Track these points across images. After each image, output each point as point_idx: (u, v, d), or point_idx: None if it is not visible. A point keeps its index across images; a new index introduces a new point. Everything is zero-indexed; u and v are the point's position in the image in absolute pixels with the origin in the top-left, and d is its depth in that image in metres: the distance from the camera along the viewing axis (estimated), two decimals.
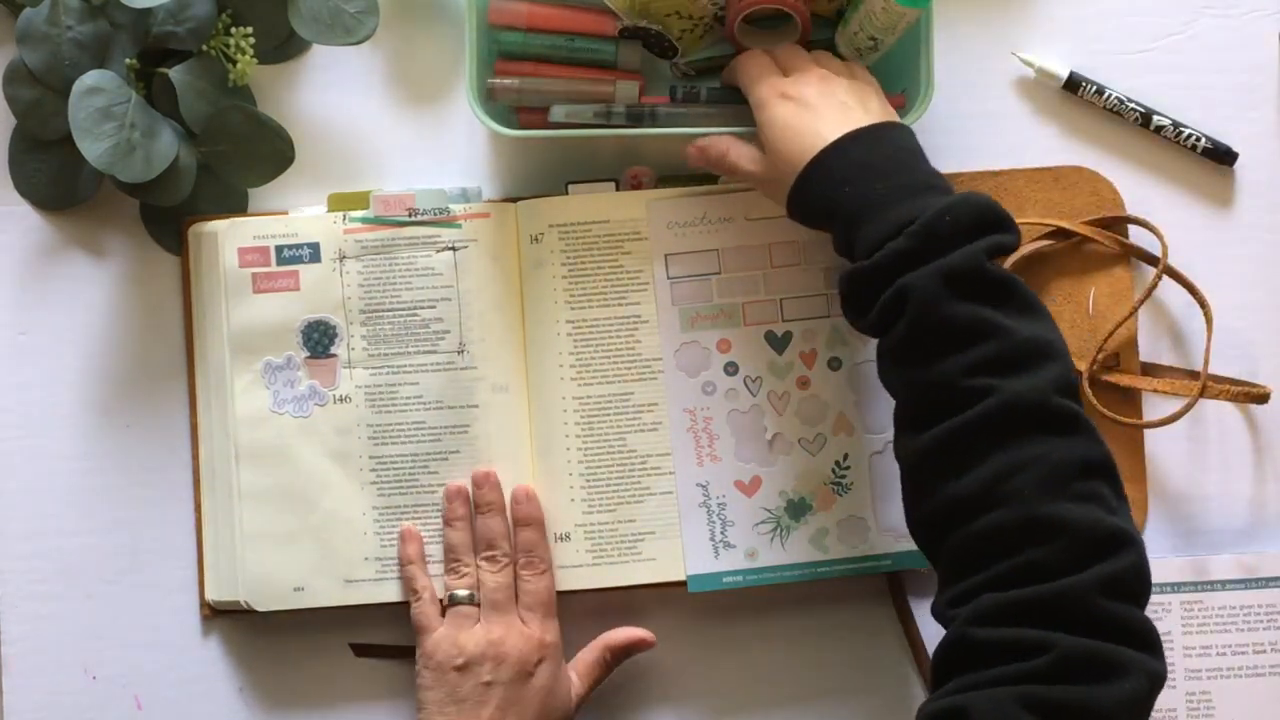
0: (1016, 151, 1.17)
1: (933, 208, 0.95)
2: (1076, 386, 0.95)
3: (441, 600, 1.10)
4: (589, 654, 1.11)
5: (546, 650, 1.08)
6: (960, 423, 0.91)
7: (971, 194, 0.97)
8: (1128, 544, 0.89)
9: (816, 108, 1.02)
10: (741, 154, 1.06)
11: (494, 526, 1.11)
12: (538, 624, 1.08)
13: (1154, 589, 1.09)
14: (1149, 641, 0.88)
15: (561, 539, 1.12)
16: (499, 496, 1.11)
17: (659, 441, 1.12)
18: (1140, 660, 0.86)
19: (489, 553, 1.10)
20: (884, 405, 1.12)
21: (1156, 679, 0.87)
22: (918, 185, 0.98)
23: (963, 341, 0.93)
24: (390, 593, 1.12)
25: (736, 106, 1.10)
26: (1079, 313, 1.15)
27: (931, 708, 0.88)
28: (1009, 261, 1.14)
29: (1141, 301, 1.12)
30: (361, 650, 1.14)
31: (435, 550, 1.12)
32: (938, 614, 0.93)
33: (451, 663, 1.06)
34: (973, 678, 0.87)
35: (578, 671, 1.10)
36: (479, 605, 1.09)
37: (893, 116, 1.03)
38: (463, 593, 1.09)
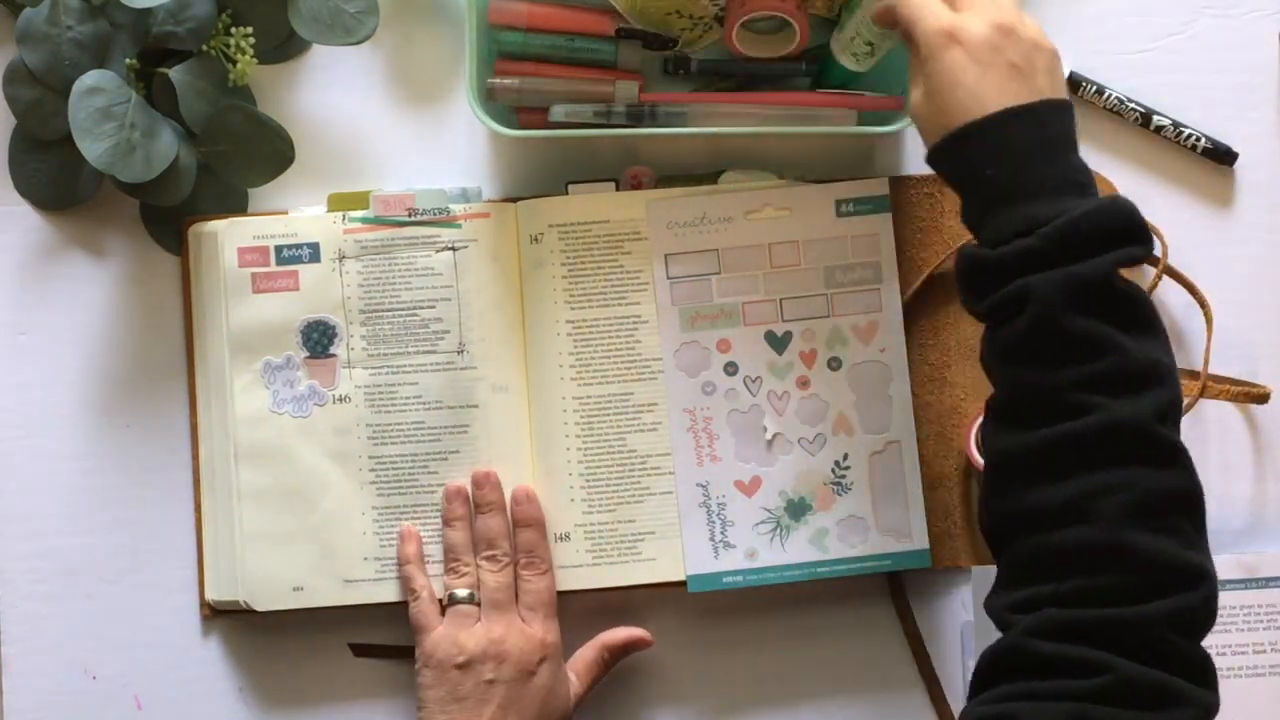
0: None
1: (1071, 211, 0.91)
2: (1180, 412, 0.94)
3: (441, 600, 1.10)
4: (587, 653, 1.11)
5: (547, 650, 1.08)
6: (1058, 433, 0.90)
7: (1115, 200, 0.94)
8: (1201, 579, 0.88)
9: (985, 64, 0.95)
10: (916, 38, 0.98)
11: (494, 526, 1.11)
12: (539, 624, 1.08)
13: None
14: (1206, 675, 0.87)
15: (561, 539, 1.12)
16: (499, 496, 1.11)
17: (659, 441, 1.12)
18: (1197, 694, 0.86)
19: (489, 552, 1.10)
20: (883, 405, 1.13)
21: (1210, 712, 0.87)
22: (1063, 182, 0.93)
23: (1077, 355, 0.91)
24: (390, 593, 1.12)
25: (734, 106, 1.10)
26: None
27: (980, 712, 0.87)
28: None
29: None
30: (361, 650, 1.14)
31: (435, 550, 1.12)
32: (993, 613, 0.92)
33: (452, 661, 1.06)
34: (1025, 687, 0.86)
35: (576, 671, 1.10)
36: (479, 605, 1.09)
37: (1058, 89, 0.96)
38: (463, 592, 1.09)
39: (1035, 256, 0.91)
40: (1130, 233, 0.92)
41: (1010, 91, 0.94)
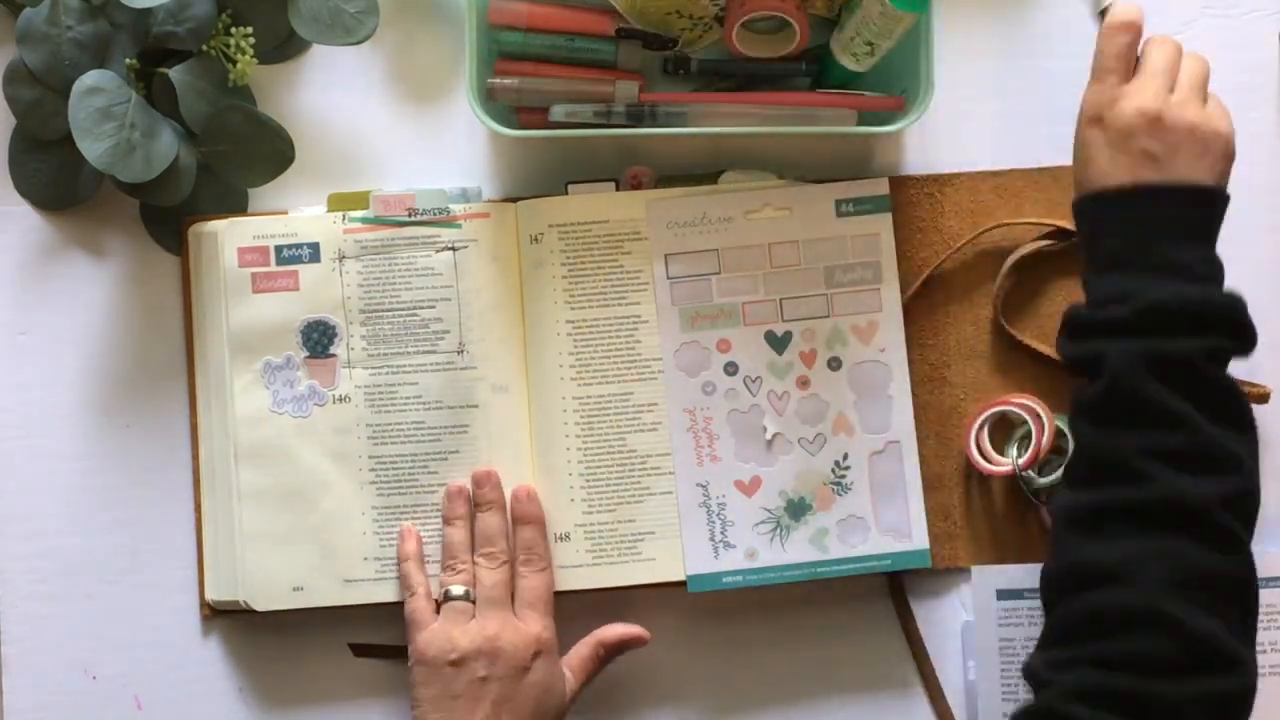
0: (1016, 151, 1.17)
1: (1169, 292, 0.95)
2: (1251, 512, 0.95)
3: (437, 599, 1.10)
4: (582, 649, 1.11)
5: (543, 646, 1.08)
6: (1117, 496, 0.93)
7: (1222, 293, 0.97)
8: (1239, 667, 0.90)
9: (1117, 148, 0.99)
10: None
11: (493, 524, 1.11)
12: (535, 620, 1.08)
13: None
14: None
15: (561, 539, 1.12)
16: (499, 495, 1.11)
17: (659, 441, 1.12)
18: None
19: (487, 549, 1.10)
20: (883, 405, 1.13)
21: None
22: (1177, 265, 0.96)
23: (1149, 422, 0.94)
24: (389, 592, 1.12)
25: (734, 106, 1.10)
26: None
27: None
28: (1011, 260, 1.14)
29: None
30: (361, 650, 1.14)
31: (434, 550, 1.12)
32: (1031, 672, 0.94)
33: (446, 658, 1.06)
34: None
35: (571, 668, 1.10)
36: (474, 603, 1.09)
37: (1204, 174, 0.99)
38: (458, 589, 1.09)
39: (1120, 325, 0.95)
40: (1226, 326, 0.95)
41: (1140, 172, 0.98)
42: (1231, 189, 1.16)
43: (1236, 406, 0.95)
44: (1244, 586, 0.93)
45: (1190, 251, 0.97)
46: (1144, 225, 0.98)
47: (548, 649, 1.08)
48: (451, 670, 1.06)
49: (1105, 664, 0.90)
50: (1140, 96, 0.99)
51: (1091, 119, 1.01)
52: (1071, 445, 1.03)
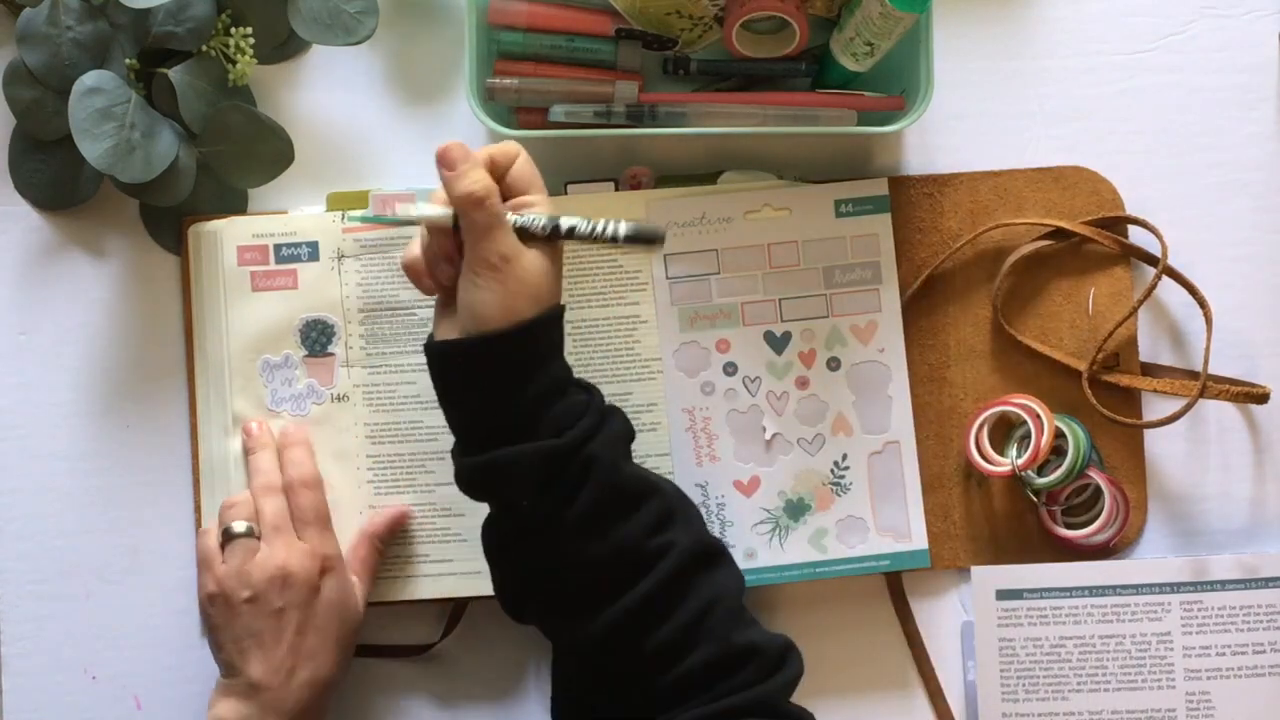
0: (1016, 151, 1.17)
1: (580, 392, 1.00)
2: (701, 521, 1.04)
3: (220, 540, 1.08)
4: (359, 551, 1.11)
5: (328, 563, 1.07)
6: (655, 580, 0.97)
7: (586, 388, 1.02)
8: (793, 651, 1.01)
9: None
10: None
11: (264, 458, 1.10)
12: (315, 538, 1.07)
13: (1154, 589, 1.11)
14: None
15: None
16: (269, 438, 1.12)
17: (658, 441, 1.12)
18: None
19: (262, 481, 1.09)
20: (882, 405, 1.13)
21: None
22: (561, 384, 1.00)
23: (637, 502, 0.99)
24: (387, 591, 1.12)
25: (734, 106, 1.10)
26: (1079, 313, 1.15)
27: None
28: (1011, 260, 1.14)
29: (1141, 301, 1.12)
30: (360, 652, 1.14)
31: (434, 550, 1.12)
32: None
33: (240, 596, 1.05)
34: None
35: (356, 573, 1.10)
36: (259, 538, 1.07)
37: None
38: (240, 525, 1.07)
39: (592, 433, 0.99)
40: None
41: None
42: (1231, 189, 1.17)
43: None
44: (743, 581, 1.02)
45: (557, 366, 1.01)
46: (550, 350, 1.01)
47: (334, 564, 1.07)
48: (249, 608, 1.05)
49: (714, 698, 0.96)
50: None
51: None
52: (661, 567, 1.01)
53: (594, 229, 0.99)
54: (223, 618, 1.05)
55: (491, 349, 0.97)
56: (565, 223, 0.99)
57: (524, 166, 1.02)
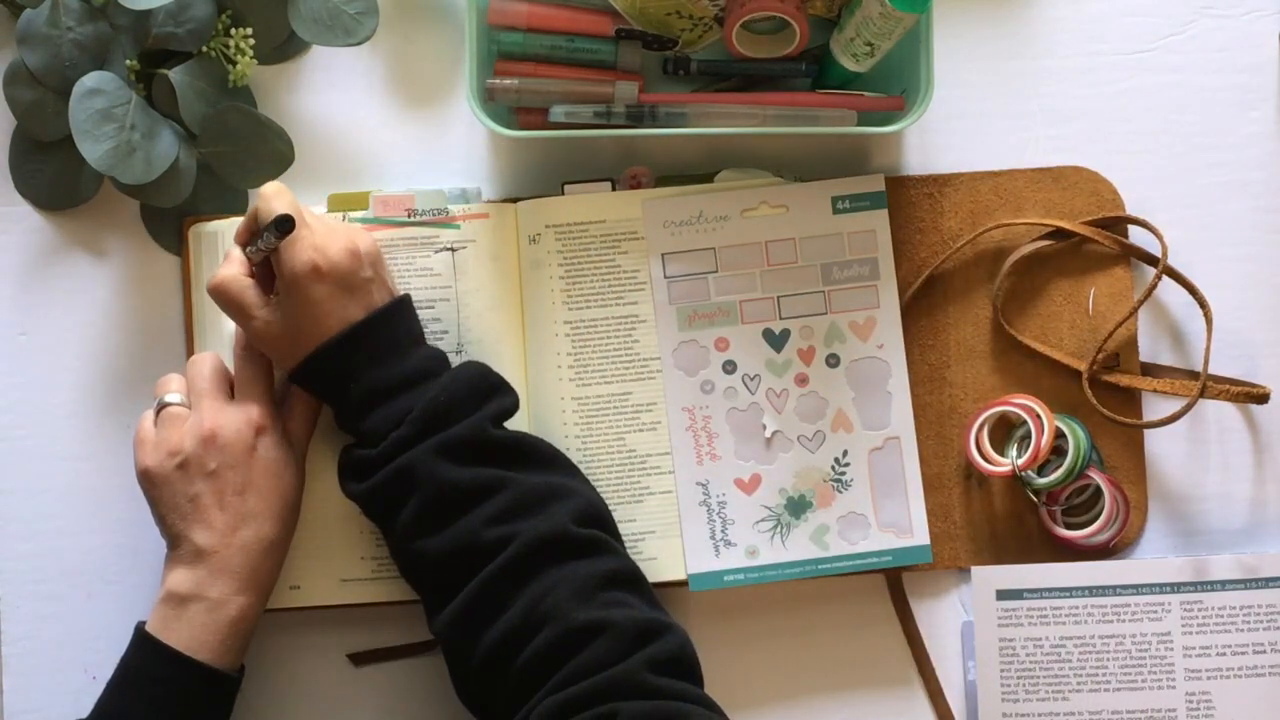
0: (1016, 151, 1.17)
1: (428, 392, 1.02)
2: (603, 516, 1.05)
3: (154, 414, 1.07)
4: (294, 409, 1.10)
5: (262, 421, 1.06)
6: (490, 572, 0.99)
7: (466, 367, 1.05)
8: (668, 630, 0.99)
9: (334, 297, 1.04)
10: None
11: (201, 355, 1.09)
12: (251, 402, 1.07)
13: (1154, 589, 1.11)
14: (712, 706, 0.98)
15: None
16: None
17: (658, 441, 1.12)
18: (707, 715, 0.95)
19: (192, 359, 1.09)
20: (882, 401, 1.13)
21: None
22: (415, 372, 1.04)
23: (474, 500, 1.00)
24: (386, 592, 1.12)
25: (734, 106, 1.10)
26: (1079, 313, 1.15)
27: None
28: (1011, 260, 1.14)
29: (1141, 301, 1.12)
30: (361, 659, 1.14)
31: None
32: None
33: (172, 464, 1.04)
34: None
35: (294, 432, 1.09)
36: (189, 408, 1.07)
37: (387, 291, 1.07)
38: (173, 397, 1.07)
39: (410, 441, 1.01)
40: (490, 390, 1.04)
41: (350, 315, 1.04)
42: (1231, 189, 1.17)
43: (536, 450, 1.05)
44: (630, 574, 1.02)
45: (421, 355, 1.05)
46: (370, 356, 1.03)
47: (268, 428, 1.07)
48: (180, 474, 1.04)
49: (559, 688, 0.96)
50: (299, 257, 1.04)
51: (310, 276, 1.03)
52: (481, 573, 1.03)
53: (263, 234, 1.04)
54: (158, 490, 1.05)
55: (298, 380, 1.07)
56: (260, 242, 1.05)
57: (263, 206, 1.05)
